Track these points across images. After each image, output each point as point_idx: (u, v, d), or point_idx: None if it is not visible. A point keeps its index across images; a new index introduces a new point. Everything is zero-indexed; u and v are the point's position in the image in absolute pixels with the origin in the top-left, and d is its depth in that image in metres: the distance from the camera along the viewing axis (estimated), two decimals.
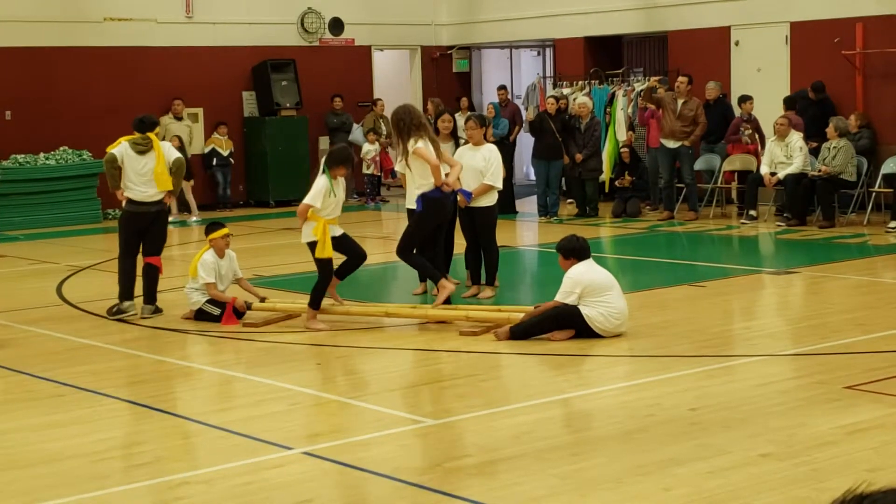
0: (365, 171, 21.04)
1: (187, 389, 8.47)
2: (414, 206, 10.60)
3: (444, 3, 23.09)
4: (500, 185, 11.35)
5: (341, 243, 10.38)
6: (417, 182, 10.37)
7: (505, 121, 19.86)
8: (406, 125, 10.23)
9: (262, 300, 10.56)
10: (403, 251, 10.54)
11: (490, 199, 11.30)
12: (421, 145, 10.19)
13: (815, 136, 16.59)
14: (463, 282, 11.74)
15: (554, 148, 17.43)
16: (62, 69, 19.30)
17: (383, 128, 20.61)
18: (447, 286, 10.33)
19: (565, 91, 20.17)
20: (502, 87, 21.08)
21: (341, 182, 10.33)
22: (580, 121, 17.74)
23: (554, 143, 17.40)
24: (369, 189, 20.93)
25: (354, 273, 10.64)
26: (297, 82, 21.07)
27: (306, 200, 10.10)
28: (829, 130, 16.01)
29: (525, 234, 17.26)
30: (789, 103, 17.07)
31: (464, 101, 21.04)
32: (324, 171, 10.15)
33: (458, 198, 11.25)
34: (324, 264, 10.16)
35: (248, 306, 10.40)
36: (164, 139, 19.79)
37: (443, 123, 12.17)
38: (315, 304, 10.12)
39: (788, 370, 8.42)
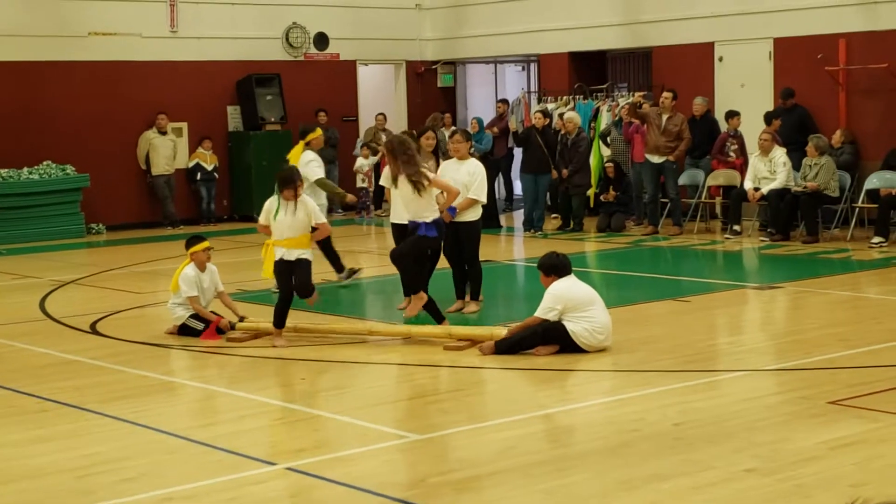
0: (359, 184, 21.02)
1: (171, 405, 8.44)
2: (401, 222, 10.77)
3: (428, 18, 23.14)
4: (484, 200, 11.34)
5: (296, 270, 10.03)
6: (423, 211, 10.11)
7: (488, 136, 19.89)
8: (409, 154, 10.04)
9: (241, 319, 10.50)
10: (403, 258, 10.28)
11: (474, 214, 11.30)
12: (434, 175, 10.23)
13: (791, 144, 16.65)
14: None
15: (542, 162, 17.47)
16: (46, 83, 19.25)
17: (383, 138, 20.58)
18: (422, 298, 10.22)
19: (550, 106, 20.21)
20: (503, 101, 21.25)
21: (302, 205, 10.00)
22: (567, 136, 17.80)
23: (541, 158, 17.43)
24: (362, 204, 20.83)
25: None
26: (282, 97, 21.07)
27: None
28: (810, 149, 16.08)
29: (509, 248, 17.27)
30: (768, 119, 17.13)
31: (447, 118, 21.06)
32: (276, 192, 10.08)
33: (443, 213, 11.25)
34: (276, 280, 10.18)
35: (232, 326, 10.36)
36: (147, 154, 19.90)
37: (426, 140, 12.18)
38: (277, 323, 10.06)
39: (772, 385, 8.44)
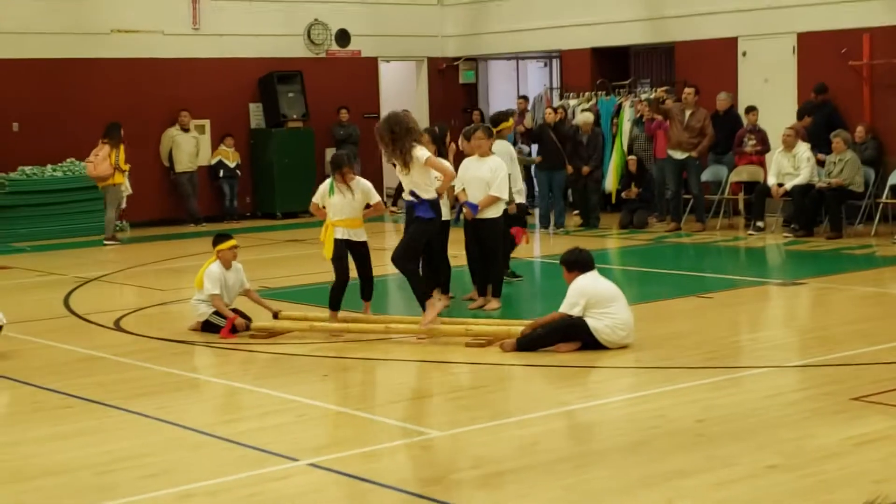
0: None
1: (194, 401, 8.47)
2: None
3: (450, 14, 23.13)
4: (506, 197, 11.31)
5: (356, 253, 10.53)
6: (418, 189, 10.01)
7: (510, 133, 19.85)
8: (403, 131, 9.89)
9: (276, 315, 10.55)
10: (403, 258, 10.18)
11: (496, 211, 11.26)
12: (429, 154, 10.03)
13: (821, 141, 16.58)
14: (458, 296, 11.76)
15: (556, 158, 17.45)
16: (70, 81, 19.34)
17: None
18: (437, 305, 10.12)
19: (572, 102, 20.18)
20: (523, 97, 21.20)
21: (355, 186, 10.39)
22: (580, 133, 17.81)
23: (556, 154, 17.42)
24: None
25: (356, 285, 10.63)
26: (304, 94, 21.10)
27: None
28: (838, 143, 15.97)
29: (531, 245, 17.24)
30: (801, 114, 17.07)
31: (475, 115, 21.02)
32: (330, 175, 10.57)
33: (464, 210, 11.23)
34: (333, 264, 10.47)
35: (247, 327, 10.39)
36: (170, 151, 19.96)
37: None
38: (332, 305, 10.48)
39: (795, 382, 8.41)
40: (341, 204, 10.41)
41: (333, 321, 10.39)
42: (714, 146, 17.61)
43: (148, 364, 9.39)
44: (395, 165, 10.24)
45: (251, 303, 10.80)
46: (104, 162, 17.67)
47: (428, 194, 10.04)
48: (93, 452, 7.00)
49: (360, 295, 10.69)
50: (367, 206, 10.54)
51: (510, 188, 11.77)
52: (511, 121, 13.30)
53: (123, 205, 18.32)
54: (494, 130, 12.42)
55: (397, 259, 10.20)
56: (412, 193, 10.07)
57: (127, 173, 18.09)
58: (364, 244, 10.56)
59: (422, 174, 9.98)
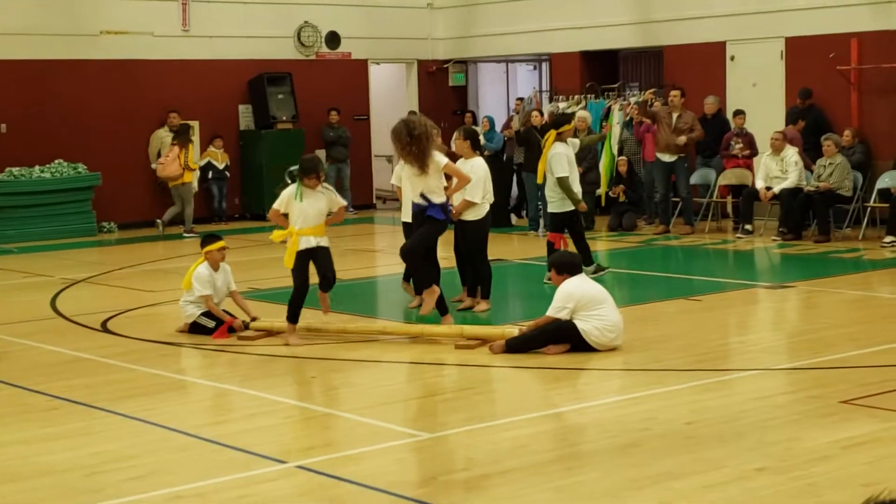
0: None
1: (181, 403, 8.44)
2: (410, 220, 10.75)
3: (440, 17, 23.13)
4: (477, 200, 11.18)
5: (318, 257, 10.12)
6: (430, 193, 10.08)
7: (500, 135, 19.86)
8: (422, 135, 9.89)
9: (254, 319, 10.48)
10: (412, 253, 10.26)
11: (477, 214, 11.23)
12: (447, 160, 10.14)
13: (809, 146, 16.61)
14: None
15: None
16: (58, 82, 19.29)
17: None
18: (435, 291, 10.21)
19: (561, 105, 20.19)
20: (521, 100, 21.23)
21: (319, 193, 10.02)
22: (577, 133, 17.78)
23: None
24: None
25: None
26: (294, 96, 21.08)
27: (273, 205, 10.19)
28: (829, 146, 15.98)
29: (519, 247, 17.24)
30: (794, 119, 17.10)
31: (468, 117, 20.98)
32: (296, 180, 10.11)
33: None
34: (293, 273, 10.08)
35: (246, 326, 10.34)
36: (158, 152, 19.91)
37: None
38: (291, 317, 10.07)
39: (784, 384, 8.42)
40: (309, 211, 9.97)
41: (292, 334, 10.04)
42: (702, 149, 17.63)
43: (135, 366, 9.36)
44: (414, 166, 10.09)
45: (233, 305, 10.74)
46: (174, 163, 18.79)
47: (439, 198, 10.12)
48: (80, 454, 6.97)
49: (318, 287, 10.17)
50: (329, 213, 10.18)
51: (562, 192, 12.00)
52: (573, 123, 13.23)
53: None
54: (555, 132, 12.45)
55: (408, 252, 10.27)
56: (422, 196, 10.14)
57: (197, 172, 19.29)
58: (327, 248, 10.14)
59: (437, 178, 10.09)
